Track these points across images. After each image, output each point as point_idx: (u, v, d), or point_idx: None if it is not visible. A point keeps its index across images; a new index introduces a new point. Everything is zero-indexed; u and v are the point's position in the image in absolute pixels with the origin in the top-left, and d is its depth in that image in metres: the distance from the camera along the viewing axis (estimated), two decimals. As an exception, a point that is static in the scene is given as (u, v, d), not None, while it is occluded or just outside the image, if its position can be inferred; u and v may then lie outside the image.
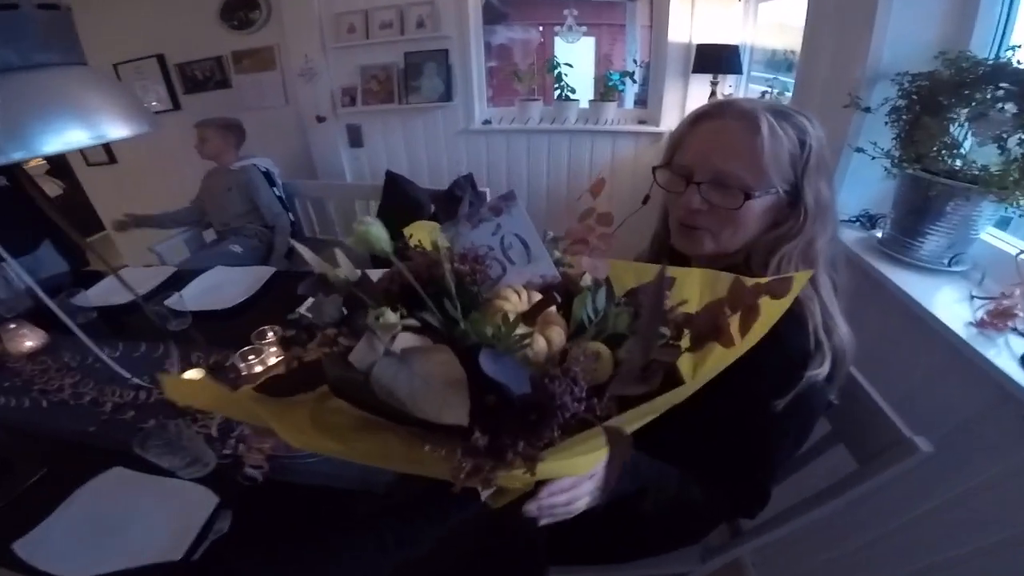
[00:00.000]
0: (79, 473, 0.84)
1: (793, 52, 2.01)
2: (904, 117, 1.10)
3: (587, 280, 0.52)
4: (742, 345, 0.43)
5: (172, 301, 1.26)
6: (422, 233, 0.62)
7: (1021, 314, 0.89)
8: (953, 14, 1.17)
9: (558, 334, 0.45)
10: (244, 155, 2.46)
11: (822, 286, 0.68)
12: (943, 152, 1.03)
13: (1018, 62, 0.92)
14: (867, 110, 1.21)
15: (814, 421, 0.73)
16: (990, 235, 1.13)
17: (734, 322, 0.42)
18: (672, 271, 0.56)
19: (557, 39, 2.65)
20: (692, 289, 0.57)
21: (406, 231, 0.67)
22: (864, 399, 0.78)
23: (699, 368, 0.47)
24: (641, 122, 2.71)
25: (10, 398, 1.05)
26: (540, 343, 0.44)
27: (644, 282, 0.55)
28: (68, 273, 1.75)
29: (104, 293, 1.45)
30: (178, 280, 1.53)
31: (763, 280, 0.42)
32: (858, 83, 1.27)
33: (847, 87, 1.27)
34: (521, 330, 0.42)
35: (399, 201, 2.35)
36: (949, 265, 1.09)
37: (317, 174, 2.99)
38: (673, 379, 0.43)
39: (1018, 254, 0.92)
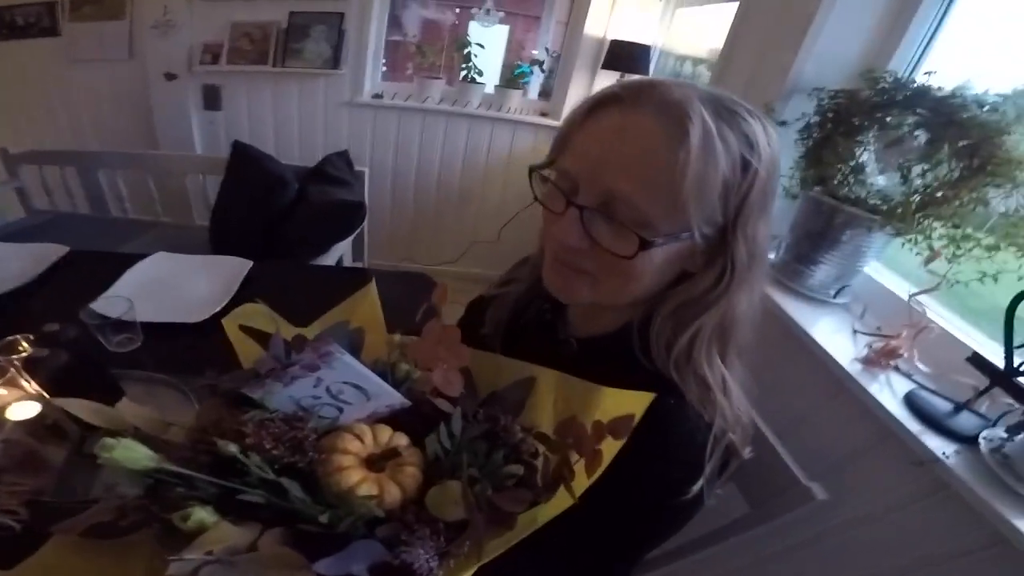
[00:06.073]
0: None
1: (702, 60, 1.98)
2: (815, 135, 1.03)
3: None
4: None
5: None
6: (257, 319, 0.54)
7: (906, 355, 0.88)
8: (880, 31, 1.13)
9: (412, 476, 0.40)
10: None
11: (733, 363, 0.53)
12: (849, 177, 0.98)
13: (938, 88, 0.87)
14: (783, 124, 1.13)
15: (693, 515, 0.57)
16: (872, 270, 1.12)
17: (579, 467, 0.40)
18: (529, 371, 0.51)
19: (472, 23, 2.45)
20: (547, 394, 0.49)
21: (235, 317, 0.56)
22: (757, 439, 0.68)
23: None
24: (543, 114, 2.59)
25: None
26: (392, 493, 0.38)
27: (508, 375, 0.52)
28: None
29: None
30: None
31: (605, 419, 0.38)
32: (777, 94, 1.19)
33: (764, 97, 1.19)
34: (365, 489, 0.37)
35: (253, 177, 1.90)
36: (835, 296, 1.03)
37: (157, 142, 2.42)
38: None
39: (911, 296, 0.86)
